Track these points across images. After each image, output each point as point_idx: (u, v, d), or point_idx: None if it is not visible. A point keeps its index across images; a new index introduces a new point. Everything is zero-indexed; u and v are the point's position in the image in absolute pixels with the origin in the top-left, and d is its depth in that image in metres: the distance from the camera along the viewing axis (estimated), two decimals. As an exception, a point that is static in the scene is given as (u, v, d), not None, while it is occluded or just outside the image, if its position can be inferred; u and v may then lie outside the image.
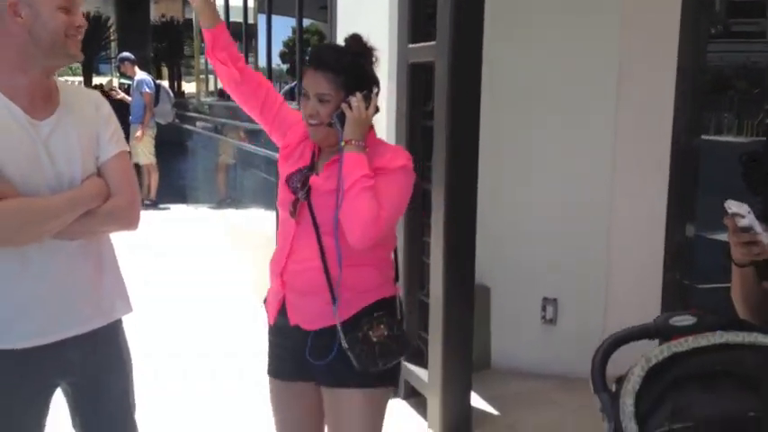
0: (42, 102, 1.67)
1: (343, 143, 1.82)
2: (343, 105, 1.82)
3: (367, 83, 1.88)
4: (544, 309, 3.71)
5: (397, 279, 2.02)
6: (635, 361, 1.25)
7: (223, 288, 5.59)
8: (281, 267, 1.91)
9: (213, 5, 2.02)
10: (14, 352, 1.67)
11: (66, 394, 1.85)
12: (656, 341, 1.31)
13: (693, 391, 1.23)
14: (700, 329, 1.28)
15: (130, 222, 1.79)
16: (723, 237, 1.70)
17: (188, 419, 3.28)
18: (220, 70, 2.02)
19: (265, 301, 2.03)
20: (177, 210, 8.77)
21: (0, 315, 1.66)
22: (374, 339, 1.84)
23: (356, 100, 1.82)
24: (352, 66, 1.85)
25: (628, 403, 1.19)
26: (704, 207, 3.28)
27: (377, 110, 1.90)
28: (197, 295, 5.31)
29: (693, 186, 3.69)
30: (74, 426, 1.90)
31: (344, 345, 1.84)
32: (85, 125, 1.73)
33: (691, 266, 3.80)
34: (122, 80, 9.78)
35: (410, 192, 1.90)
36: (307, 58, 5.98)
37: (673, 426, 1.22)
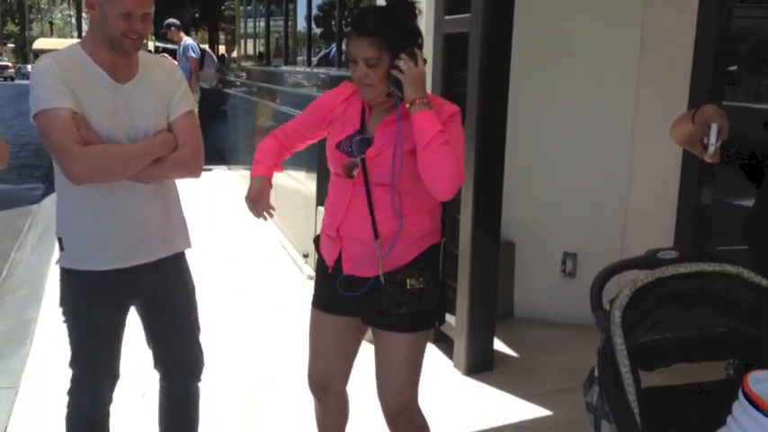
0: (124, 69, 1.99)
1: (408, 105, 1.86)
2: (394, 72, 1.86)
3: (410, 39, 1.89)
4: (564, 263, 3.95)
5: (444, 227, 2.09)
6: (625, 284, 1.52)
7: (265, 242, 5.90)
8: (338, 222, 2.01)
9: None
10: (97, 273, 2.02)
11: (140, 314, 2.19)
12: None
13: (672, 308, 1.51)
14: (681, 262, 1.55)
15: (194, 170, 2.10)
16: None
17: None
18: None
19: (317, 243, 2.16)
20: (218, 171, 9.08)
21: (85, 242, 2.02)
22: (408, 287, 1.94)
23: (404, 62, 1.84)
24: (394, 25, 1.87)
25: (616, 315, 1.46)
26: (722, 173, 3.37)
27: (425, 61, 1.90)
28: (239, 247, 5.62)
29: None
30: (147, 343, 2.22)
31: (381, 280, 1.95)
32: (159, 88, 2.06)
33: (706, 228, 3.96)
34: (157, 43, 9.80)
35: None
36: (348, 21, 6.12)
37: (654, 337, 1.51)
